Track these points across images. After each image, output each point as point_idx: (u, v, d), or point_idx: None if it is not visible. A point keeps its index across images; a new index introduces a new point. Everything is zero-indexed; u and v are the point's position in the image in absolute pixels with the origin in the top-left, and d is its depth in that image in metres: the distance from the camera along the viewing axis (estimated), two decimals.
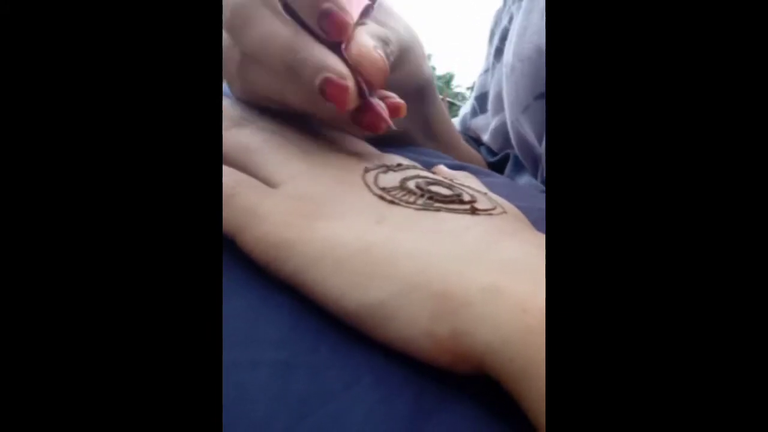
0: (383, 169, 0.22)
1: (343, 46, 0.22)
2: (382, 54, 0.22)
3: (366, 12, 0.24)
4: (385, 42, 0.23)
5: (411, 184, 0.21)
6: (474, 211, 0.20)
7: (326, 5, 0.21)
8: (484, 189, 0.24)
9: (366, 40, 0.22)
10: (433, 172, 0.25)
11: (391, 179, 0.21)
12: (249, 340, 0.16)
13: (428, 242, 0.17)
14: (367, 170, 0.22)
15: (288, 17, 0.22)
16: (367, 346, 0.16)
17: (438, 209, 0.19)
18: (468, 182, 0.25)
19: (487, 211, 0.20)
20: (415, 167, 0.24)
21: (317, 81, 0.21)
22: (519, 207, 0.23)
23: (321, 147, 0.23)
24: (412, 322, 0.15)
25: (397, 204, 0.19)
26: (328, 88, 0.21)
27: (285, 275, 0.17)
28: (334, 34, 0.21)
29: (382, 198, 0.20)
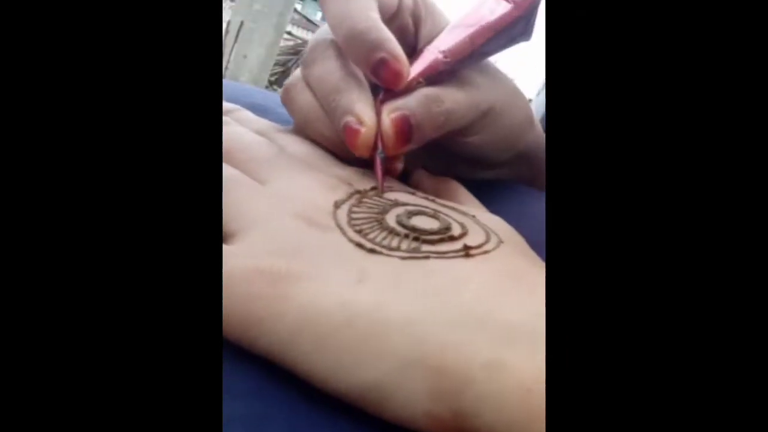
0: (356, 198, 0.20)
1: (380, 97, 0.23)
2: (392, 124, 0.22)
3: (435, 66, 0.23)
4: (436, 102, 0.22)
5: (391, 220, 0.19)
6: (467, 252, 0.17)
7: (381, 54, 0.21)
8: (472, 203, 0.23)
9: (393, 106, 0.22)
10: (415, 182, 0.24)
11: (366, 214, 0.19)
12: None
13: (420, 305, 0.15)
14: (337, 205, 0.19)
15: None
16: None
17: (427, 256, 0.17)
18: (452, 192, 0.23)
19: (481, 248, 0.18)
20: (391, 189, 0.22)
21: (341, 122, 0.22)
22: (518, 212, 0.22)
23: (284, 172, 0.21)
24: (410, 403, 0.14)
25: (378, 253, 0.17)
26: (346, 132, 0.21)
27: (259, 352, 0.15)
28: (388, 82, 0.22)
29: (360, 246, 0.17)
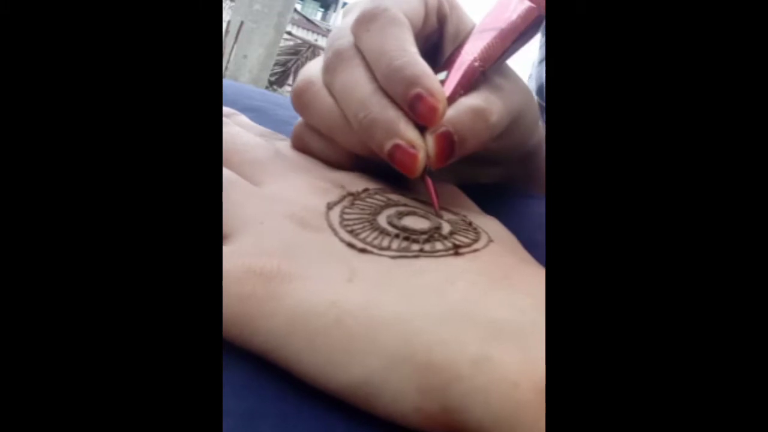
0: (348, 200, 0.20)
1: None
2: (435, 143, 0.21)
3: (472, 75, 0.23)
4: (483, 117, 0.22)
5: (382, 221, 0.19)
6: (457, 251, 0.18)
7: (417, 90, 0.21)
8: (469, 206, 0.23)
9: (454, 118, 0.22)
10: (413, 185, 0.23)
11: (358, 215, 0.19)
12: None
13: (408, 303, 0.16)
14: (330, 206, 0.20)
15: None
16: None
17: (416, 255, 0.17)
18: (450, 196, 0.23)
19: (471, 247, 0.18)
20: (383, 191, 0.22)
21: (387, 146, 0.21)
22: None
23: (278, 175, 0.21)
24: (400, 399, 0.14)
25: (369, 252, 0.17)
26: (398, 154, 0.21)
27: (253, 350, 0.15)
28: (424, 117, 0.21)
29: (351, 246, 0.18)
